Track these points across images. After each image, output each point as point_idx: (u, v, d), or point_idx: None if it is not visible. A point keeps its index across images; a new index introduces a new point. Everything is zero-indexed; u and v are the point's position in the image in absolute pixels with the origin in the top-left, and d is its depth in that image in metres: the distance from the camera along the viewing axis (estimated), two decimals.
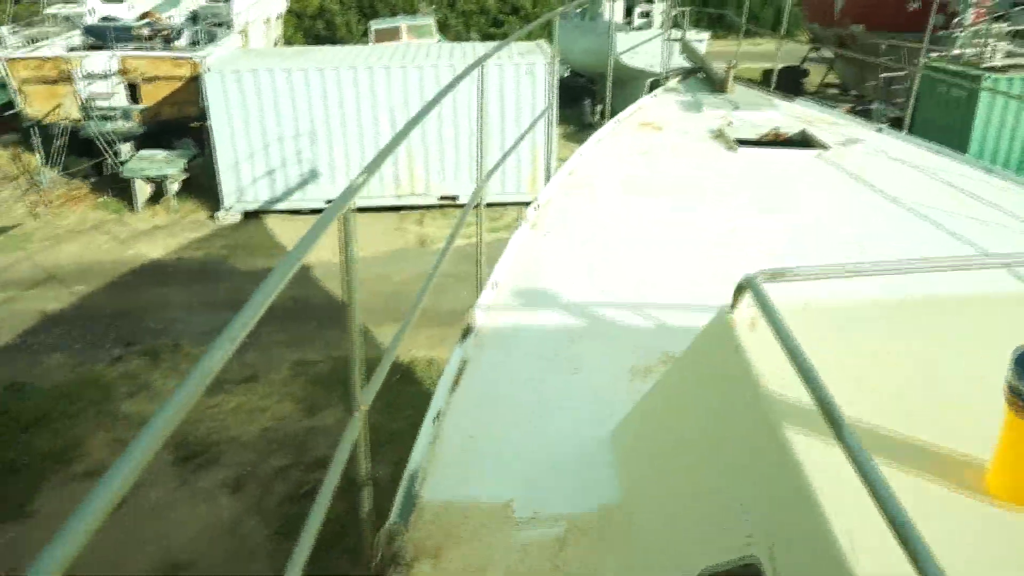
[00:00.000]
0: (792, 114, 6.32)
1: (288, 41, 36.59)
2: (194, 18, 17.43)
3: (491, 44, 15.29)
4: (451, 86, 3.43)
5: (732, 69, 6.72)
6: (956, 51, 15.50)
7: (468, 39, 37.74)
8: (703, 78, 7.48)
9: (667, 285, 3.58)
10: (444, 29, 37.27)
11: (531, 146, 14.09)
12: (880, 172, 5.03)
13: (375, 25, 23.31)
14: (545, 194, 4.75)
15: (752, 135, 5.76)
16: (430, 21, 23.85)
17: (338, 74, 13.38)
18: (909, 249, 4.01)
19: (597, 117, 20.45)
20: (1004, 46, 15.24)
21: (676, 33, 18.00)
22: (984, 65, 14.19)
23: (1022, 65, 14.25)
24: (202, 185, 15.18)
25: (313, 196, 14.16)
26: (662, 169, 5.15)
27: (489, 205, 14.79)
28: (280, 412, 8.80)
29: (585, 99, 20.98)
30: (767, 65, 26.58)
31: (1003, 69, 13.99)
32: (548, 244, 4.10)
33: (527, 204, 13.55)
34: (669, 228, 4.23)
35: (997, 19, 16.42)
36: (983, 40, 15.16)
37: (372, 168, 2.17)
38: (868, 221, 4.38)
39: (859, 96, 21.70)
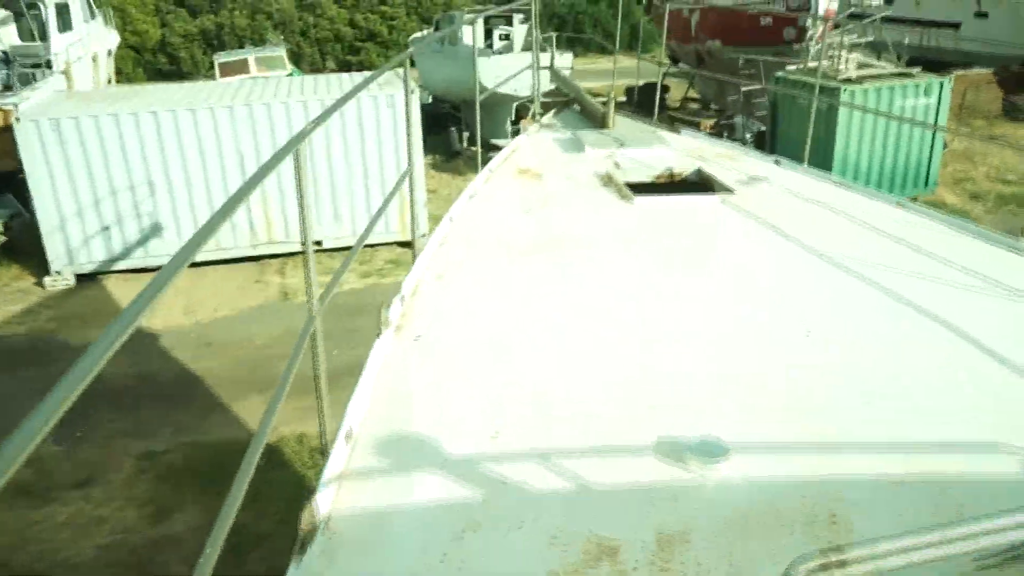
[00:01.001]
0: (683, 149, 5.75)
1: (127, 79, 34.11)
2: (5, 60, 15.50)
3: (346, 76, 14.29)
4: (322, 118, 2.98)
5: (612, 101, 6.11)
6: (812, 63, 15.75)
7: (324, 68, 36.43)
8: (579, 111, 6.85)
9: (586, 415, 2.63)
10: (298, 59, 35.80)
11: (396, 173, 13.13)
12: (791, 216, 4.47)
13: (220, 59, 21.80)
14: (412, 280, 3.85)
15: (645, 177, 5.12)
16: (280, 52, 22.51)
17: (175, 116, 12.02)
18: (850, 310, 3.41)
19: (465, 144, 19.75)
20: (855, 57, 15.61)
21: (543, 58, 17.61)
22: (841, 77, 14.40)
23: (875, 75, 14.58)
24: (26, 248, 13.36)
25: (157, 252, 12.67)
26: (552, 232, 4.37)
27: (350, 247, 13.78)
28: (121, 522, 7.45)
29: (451, 126, 20.25)
30: (628, 82, 26.89)
31: (858, 80, 14.25)
32: (419, 356, 3.17)
33: (400, 244, 12.48)
34: (573, 317, 3.43)
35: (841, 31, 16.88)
36: (835, 53, 15.46)
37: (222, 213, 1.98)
38: (792, 276, 3.78)
39: (720, 110, 22.03)
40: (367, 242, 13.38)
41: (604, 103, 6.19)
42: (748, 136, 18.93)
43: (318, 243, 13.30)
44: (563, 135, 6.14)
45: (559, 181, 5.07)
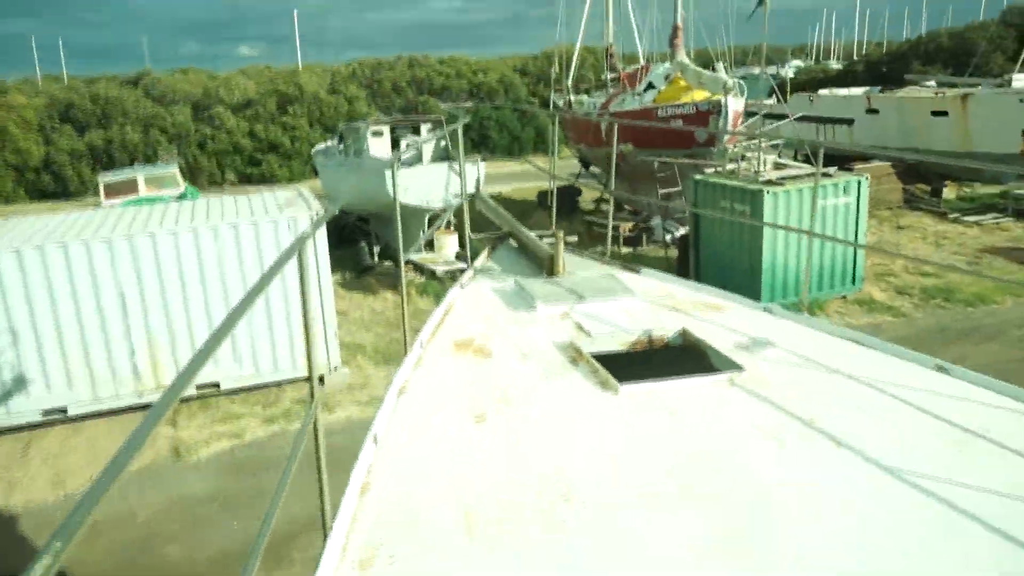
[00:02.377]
0: (652, 298, 4.82)
1: (6, 200, 31.85)
2: None
3: (242, 197, 13.10)
4: (277, 267, 2.69)
5: (561, 242, 5.16)
6: (730, 165, 15.54)
7: (224, 182, 35.09)
8: (516, 246, 5.89)
9: None
10: (195, 173, 34.38)
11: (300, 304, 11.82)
12: (827, 400, 3.44)
13: (105, 179, 20.25)
14: (331, 553, 2.64)
15: (618, 345, 4.12)
16: (172, 169, 21.16)
17: (42, 253, 10.52)
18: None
19: (376, 259, 18.67)
20: (771, 159, 15.50)
21: (454, 165, 16.85)
22: (761, 179, 14.14)
23: (794, 176, 14.39)
24: None
25: (22, 408, 10.90)
26: (523, 465, 3.05)
27: (256, 388, 12.27)
28: None
29: (360, 241, 19.19)
30: (542, 185, 26.66)
31: (778, 182, 14.01)
32: None
33: (306, 380, 11.11)
34: None
35: (759, 132, 16.89)
36: (747, 154, 15.32)
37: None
38: (867, 496, 2.69)
39: (634, 212, 21.79)
40: (267, 380, 11.96)
41: (548, 241, 5.23)
42: (668, 238, 18.58)
43: (215, 385, 11.78)
44: (504, 284, 5.14)
45: (513, 361, 4.00)
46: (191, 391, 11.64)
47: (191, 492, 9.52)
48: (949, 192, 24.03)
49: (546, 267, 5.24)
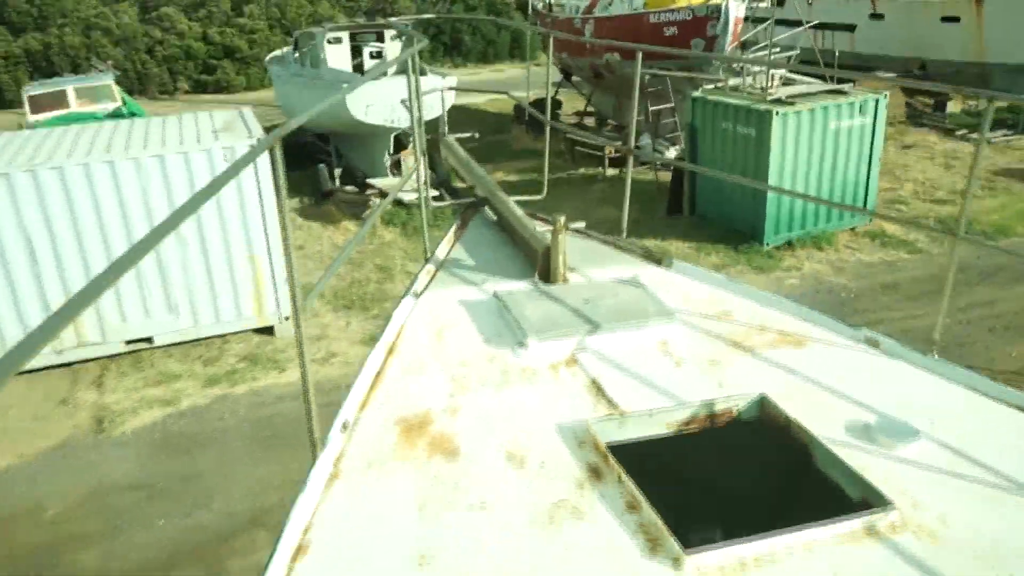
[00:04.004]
0: (697, 318, 3.30)
1: None
2: None
3: (172, 119, 11.24)
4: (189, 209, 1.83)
5: (561, 232, 3.60)
6: (734, 80, 13.83)
7: (176, 91, 32.51)
8: (496, 221, 4.28)
9: None
10: (144, 81, 31.79)
11: (246, 251, 10.27)
12: None
13: (31, 91, 18.05)
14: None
15: (662, 427, 2.64)
16: (107, 80, 18.93)
17: None
18: None
19: (336, 183, 16.90)
20: (779, 73, 13.83)
21: (424, 82, 15.00)
22: (770, 98, 12.50)
23: (805, 94, 12.75)
24: None
25: None
26: None
27: (194, 342, 10.74)
28: None
29: (319, 162, 17.37)
30: (520, 97, 24.63)
31: (789, 101, 12.38)
32: None
33: (257, 332, 9.62)
34: None
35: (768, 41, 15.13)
36: (757, 70, 13.61)
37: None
38: None
39: (619, 127, 20.06)
40: (209, 334, 10.47)
41: (548, 224, 3.65)
42: (658, 160, 16.96)
43: (148, 339, 10.28)
44: (477, 294, 3.62)
45: (489, 470, 2.47)
46: (118, 347, 10.14)
47: (113, 478, 8.14)
48: (954, 105, 22.47)
49: (539, 267, 3.74)
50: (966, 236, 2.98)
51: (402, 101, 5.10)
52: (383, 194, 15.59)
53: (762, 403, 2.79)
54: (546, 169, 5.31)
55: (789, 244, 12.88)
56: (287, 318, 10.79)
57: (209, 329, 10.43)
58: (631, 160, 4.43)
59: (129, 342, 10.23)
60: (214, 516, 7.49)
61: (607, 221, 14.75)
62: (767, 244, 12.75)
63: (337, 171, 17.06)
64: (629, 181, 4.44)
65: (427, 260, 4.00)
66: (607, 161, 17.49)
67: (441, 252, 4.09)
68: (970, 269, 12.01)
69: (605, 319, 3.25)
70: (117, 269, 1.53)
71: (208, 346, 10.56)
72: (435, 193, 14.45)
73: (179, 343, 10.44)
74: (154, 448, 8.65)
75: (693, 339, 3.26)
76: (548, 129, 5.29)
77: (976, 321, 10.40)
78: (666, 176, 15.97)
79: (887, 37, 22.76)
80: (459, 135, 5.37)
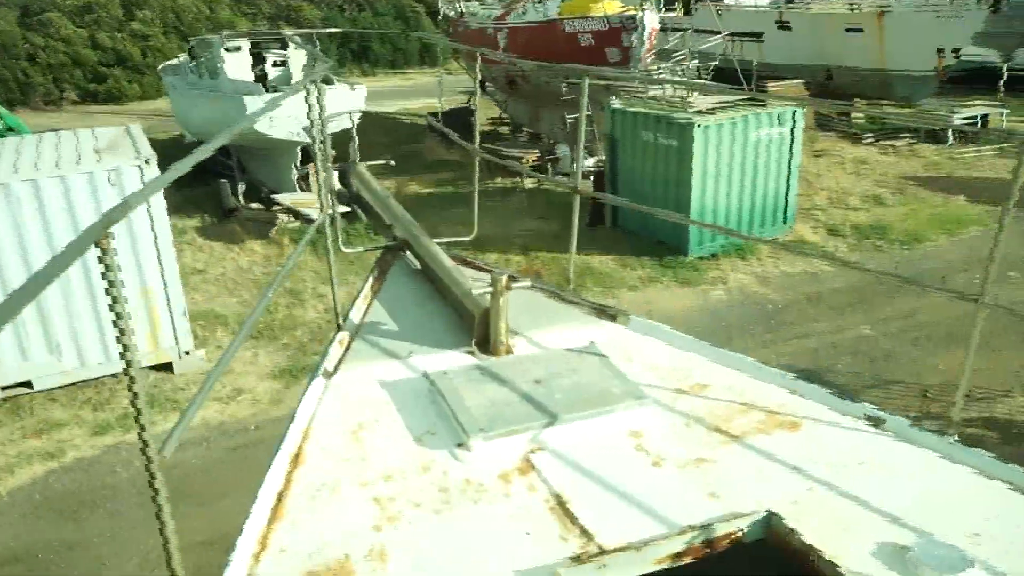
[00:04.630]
0: (669, 393, 2.77)
1: None
2: None
3: (49, 136, 10.14)
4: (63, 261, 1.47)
5: (503, 294, 2.93)
6: (654, 91, 13.59)
7: (62, 101, 30.44)
8: (419, 269, 3.65)
9: None
10: (26, 91, 29.66)
11: (139, 283, 9.33)
12: None
13: None
14: None
15: (649, 564, 2.07)
16: None
17: None
18: None
19: (240, 200, 15.88)
20: (697, 83, 13.67)
21: (332, 94, 14.21)
22: (691, 108, 12.29)
23: (726, 105, 12.60)
24: None
25: None
26: None
27: (82, 383, 9.66)
28: None
29: (222, 177, 16.30)
30: (432, 104, 23.92)
31: (710, 112, 12.20)
32: None
33: (154, 368, 8.72)
34: None
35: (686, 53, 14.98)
36: (675, 76, 13.42)
37: None
38: None
39: (535, 136, 19.69)
40: (96, 375, 9.47)
41: (481, 271, 3.06)
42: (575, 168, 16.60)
43: (27, 384, 9.20)
44: (404, 375, 2.99)
45: None
46: None
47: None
48: (858, 113, 23.09)
49: (477, 334, 3.14)
50: (987, 303, 2.55)
51: (304, 128, 4.45)
52: (290, 211, 14.70)
53: (769, 521, 2.28)
54: (475, 205, 4.69)
55: (713, 256, 12.70)
56: (187, 352, 9.89)
57: (98, 369, 9.42)
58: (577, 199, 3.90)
59: (4, 388, 9.13)
60: None
61: (527, 234, 14.33)
62: (691, 256, 12.53)
63: (240, 186, 16.05)
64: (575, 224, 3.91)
65: (339, 327, 3.37)
66: (524, 172, 17.04)
67: (356, 314, 3.46)
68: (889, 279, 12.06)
69: (563, 406, 2.69)
70: None
71: (98, 388, 9.54)
72: (346, 210, 13.67)
73: (64, 385, 9.40)
74: (35, 511, 7.65)
75: (670, 428, 2.73)
76: (476, 161, 4.68)
77: (899, 333, 10.38)
78: (585, 185, 15.63)
79: (794, 46, 23.16)
80: (372, 163, 4.74)
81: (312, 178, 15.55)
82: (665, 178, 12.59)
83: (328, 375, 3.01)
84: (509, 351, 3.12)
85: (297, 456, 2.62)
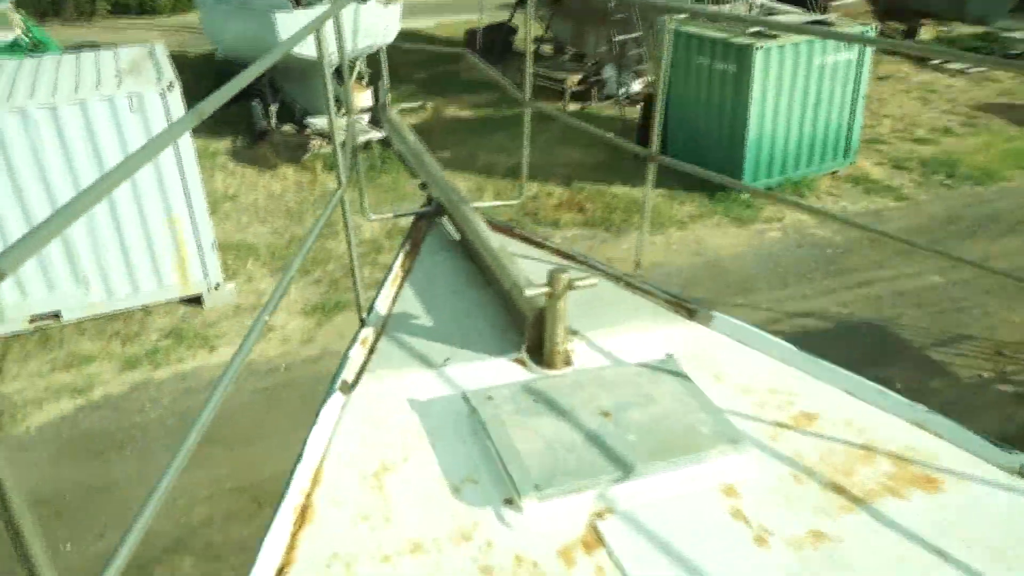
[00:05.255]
0: (767, 432, 2.21)
1: None
2: None
3: (69, 58, 9.62)
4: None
5: (563, 297, 2.36)
6: (712, 7, 12.58)
7: (93, 13, 29.71)
8: (459, 242, 3.09)
9: None
10: (57, 4, 28.96)
11: (164, 213, 8.94)
12: None
13: None
14: None
15: None
16: (4, 6, 16.77)
17: None
18: None
19: (273, 121, 15.32)
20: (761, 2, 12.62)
21: (365, 9, 13.42)
22: (751, 31, 11.32)
23: (792, 26, 11.60)
24: None
25: None
26: None
27: (111, 315, 9.38)
28: None
29: (254, 98, 15.70)
30: (470, 17, 22.77)
31: (772, 35, 11.22)
32: None
33: (184, 302, 8.41)
34: None
35: None
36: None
37: None
38: None
39: (579, 55, 18.65)
40: (125, 306, 9.20)
41: (531, 244, 2.53)
42: (622, 93, 15.72)
43: (56, 315, 8.96)
44: (438, 392, 2.48)
45: None
46: (21, 325, 8.83)
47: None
48: (926, 32, 21.52)
49: (528, 337, 2.62)
50: None
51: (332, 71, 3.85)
52: (323, 135, 14.12)
53: None
54: (525, 166, 4.05)
55: (769, 190, 11.93)
56: (216, 285, 9.55)
57: (125, 301, 9.14)
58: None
59: (34, 318, 8.91)
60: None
61: (569, 164, 13.61)
62: (744, 192, 11.78)
63: (273, 107, 15.45)
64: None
65: (362, 322, 2.84)
66: (568, 95, 16.18)
67: (383, 303, 2.93)
68: (960, 220, 11.24)
69: (638, 451, 2.15)
70: (17, 254, 1.06)
71: (127, 320, 9.29)
72: (378, 136, 13.08)
73: (93, 317, 9.15)
74: (62, 450, 7.48)
75: (776, 484, 2.17)
76: (527, 113, 3.95)
77: (971, 282, 9.64)
78: (633, 112, 14.80)
79: None
80: (404, 105, 4.18)
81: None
82: (720, 106, 11.75)
83: (348, 388, 2.52)
84: (567, 361, 2.59)
85: (304, 511, 2.17)
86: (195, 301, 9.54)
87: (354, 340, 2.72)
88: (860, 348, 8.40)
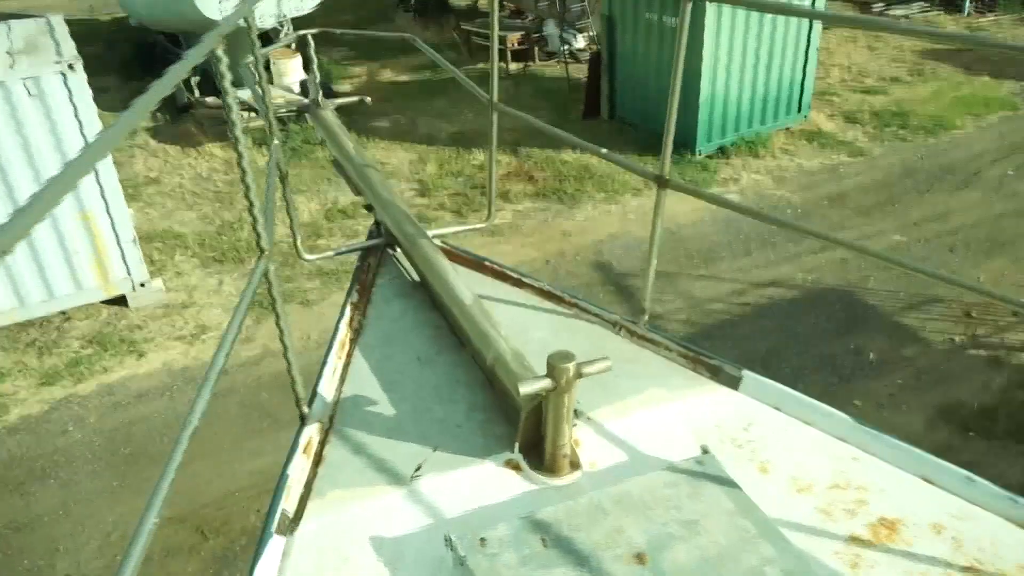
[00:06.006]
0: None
1: None
2: None
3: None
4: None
5: (569, 390, 1.76)
6: None
7: None
8: (413, 291, 2.49)
9: None
10: None
11: (76, 208, 8.11)
12: None
13: None
14: None
15: None
16: None
17: None
18: None
19: (197, 94, 14.26)
20: None
21: None
22: None
23: None
24: None
25: None
26: None
27: (26, 325, 8.41)
28: None
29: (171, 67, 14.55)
30: None
31: None
32: None
33: (106, 303, 7.64)
34: None
35: None
36: None
37: None
38: None
39: (517, 11, 17.86)
40: (39, 314, 8.38)
41: (549, 366, 1.96)
42: (565, 50, 15.06)
43: None
44: (411, 534, 1.84)
45: None
46: None
47: None
48: None
49: (522, 434, 2.02)
50: None
51: (245, 63, 3.18)
52: (249, 107, 13.16)
53: None
54: (492, 188, 3.36)
55: (722, 151, 11.52)
56: (141, 284, 8.76)
57: (40, 308, 8.31)
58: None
59: None
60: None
61: (515, 128, 12.95)
62: (699, 153, 11.34)
63: (194, 79, 14.37)
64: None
65: (302, 419, 2.22)
66: (509, 55, 15.46)
67: (327, 389, 2.31)
68: (916, 173, 11.01)
69: None
70: None
71: (44, 328, 8.46)
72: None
73: (3, 327, 8.30)
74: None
75: None
76: (494, 117, 3.22)
77: (933, 239, 9.42)
78: (579, 71, 14.17)
79: None
80: (340, 100, 3.54)
81: (273, 65, 13.91)
82: (671, 64, 11.21)
83: (289, 527, 1.94)
84: (575, 462, 2.05)
85: None
86: (119, 302, 8.75)
87: (293, 447, 2.12)
88: (829, 317, 8.10)
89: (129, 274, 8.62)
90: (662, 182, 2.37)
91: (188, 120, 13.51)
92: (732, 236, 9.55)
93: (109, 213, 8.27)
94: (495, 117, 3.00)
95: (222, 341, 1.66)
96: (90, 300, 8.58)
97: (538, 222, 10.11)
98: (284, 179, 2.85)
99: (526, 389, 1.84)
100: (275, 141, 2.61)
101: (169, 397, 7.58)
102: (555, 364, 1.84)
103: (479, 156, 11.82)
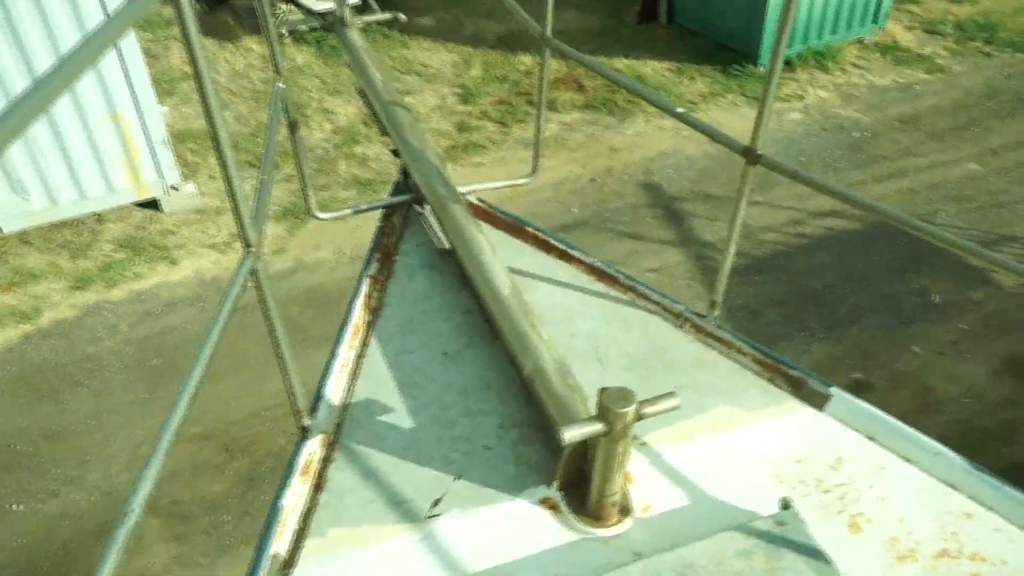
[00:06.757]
0: None
1: None
2: None
3: None
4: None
5: (627, 433, 1.44)
6: None
7: None
8: (443, 260, 2.14)
9: None
10: None
11: (106, 109, 7.83)
12: None
13: None
14: None
15: None
16: None
17: None
18: None
19: None
20: None
21: None
22: None
23: None
24: None
25: None
26: None
27: (59, 225, 8.27)
28: None
29: None
30: None
31: None
32: None
33: (139, 206, 7.45)
34: None
35: None
36: None
37: None
38: None
39: None
40: (72, 215, 8.24)
41: (600, 407, 1.64)
42: None
43: None
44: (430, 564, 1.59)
45: None
46: None
47: None
48: None
49: (560, 472, 1.69)
50: None
51: None
52: (293, 1, 12.57)
53: None
54: (539, 134, 2.92)
55: (787, 64, 10.71)
56: (174, 187, 8.54)
57: (72, 209, 8.15)
58: None
59: None
60: (88, 496, 5.80)
61: (564, 31, 12.21)
62: (763, 66, 10.56)
63: None
64: None
65: (303, 431, 1.90)
66: None
67: (334, 392, 1.99)
68: (999, 95, 10.13)
69: None
70: None
71: (77, 229, 8.34)
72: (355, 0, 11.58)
73: (34, 228, 8.19)
74: (8, 389, 6.74)
75: None
76: (546, 53, 2.75)
77: (1013, 169, 8.70)
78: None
79: None
80: (370, 17, 3.12)
81: None
82: None
83: (282, 572, 1.65)
84: (625, 509, 1.71)
85: None
86: (153, 205, 8.56)
87: (290, 468, 1.81)
88: (892, 253, 7.58)
89: (161, 176, 8.39)
90: (751, 157, 1.93)
91: (225, 11, 12.98)
92: (792, 158, 8.94)
93: (140, 112, 7.97)
94: (547, 55, 2.55)
95: (197, 358, 1.34)
96: (122, 202, 8.39)
97: (585, 136, 9.56)
98: (293, 127, 2.49)
99: (571, 435, 1.50)
100: (279, 84, 2.23)
101: (200, 308, 7.45)
102: (609, 406, 1.49)
103: (526, 60, 11.17)
